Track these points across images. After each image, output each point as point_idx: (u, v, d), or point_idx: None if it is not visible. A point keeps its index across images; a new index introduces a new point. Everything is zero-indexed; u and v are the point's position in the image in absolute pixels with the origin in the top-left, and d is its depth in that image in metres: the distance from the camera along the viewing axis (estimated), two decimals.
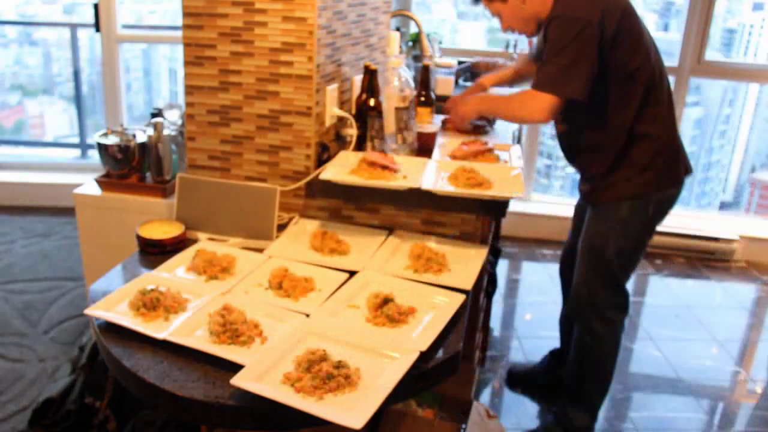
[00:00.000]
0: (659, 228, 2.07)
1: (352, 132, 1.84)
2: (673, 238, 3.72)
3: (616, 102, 1.88)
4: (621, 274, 2.04)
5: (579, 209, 2.31)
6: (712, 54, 3.75)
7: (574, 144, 2.05)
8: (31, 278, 3.13)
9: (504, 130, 2.26)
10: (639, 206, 1.95)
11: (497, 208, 1.63)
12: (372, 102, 1.85)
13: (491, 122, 2.26)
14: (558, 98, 1.78)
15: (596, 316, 2.05)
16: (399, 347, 1.23)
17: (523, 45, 3.39)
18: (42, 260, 3.30)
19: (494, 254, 2.22)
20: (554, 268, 2.70)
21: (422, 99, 2.10)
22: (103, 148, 2.20)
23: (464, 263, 1.57)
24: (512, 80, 2.37)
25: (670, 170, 1.96)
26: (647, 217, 1.98)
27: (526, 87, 1.96)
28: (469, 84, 3.11)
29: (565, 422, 2.21)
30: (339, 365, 1.15)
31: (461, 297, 1.41)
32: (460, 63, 3.23)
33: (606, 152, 1.94)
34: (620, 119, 1.90)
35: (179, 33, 1.73)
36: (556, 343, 2.71)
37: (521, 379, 2.61)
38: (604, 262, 2.00)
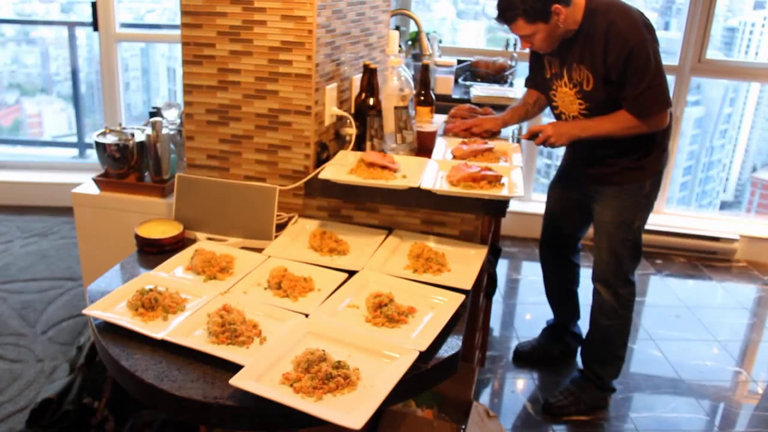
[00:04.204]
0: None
1: (351, 131, 1.83)
2: (673, 237, 3.71)
3: None
4: (642, 240, 2.27)
5: (569, 192, 2.41)
6: (712, 53, 3.74)
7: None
8: (29, 278, 3.12)
9: (503, 129, 2.25)
10: (658, 180, 2.21)
11: (497, 207, 1.63)
12: (371, 101, 1.84)
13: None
14: (669, 108, 2.05)
15: (622, 282, 2.26)
16: (398, 347, 1.22)
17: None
18: (40, 260, 3.30)
19: (494, 254, 2.22)
20: None
21: (422, 98, 2.09)
22: (101, 148, 2.19)
23: (464, 263, 1.57)
24: (522, 118, 2.34)
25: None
26: (659, 187, 2.25)
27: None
28: (469, 83, 3.11)
29: (594, 378, 2.40)
30: (338, 365, 1.14)
31: (461, 297, 1.40)
32: (459, 62, 3.23)
33: (642, 138, 2.09)
34: None
35: (178, 32, 1.72)
36: None
37: (530, 355, 2.71)
38: (632, 233, 2.21)
